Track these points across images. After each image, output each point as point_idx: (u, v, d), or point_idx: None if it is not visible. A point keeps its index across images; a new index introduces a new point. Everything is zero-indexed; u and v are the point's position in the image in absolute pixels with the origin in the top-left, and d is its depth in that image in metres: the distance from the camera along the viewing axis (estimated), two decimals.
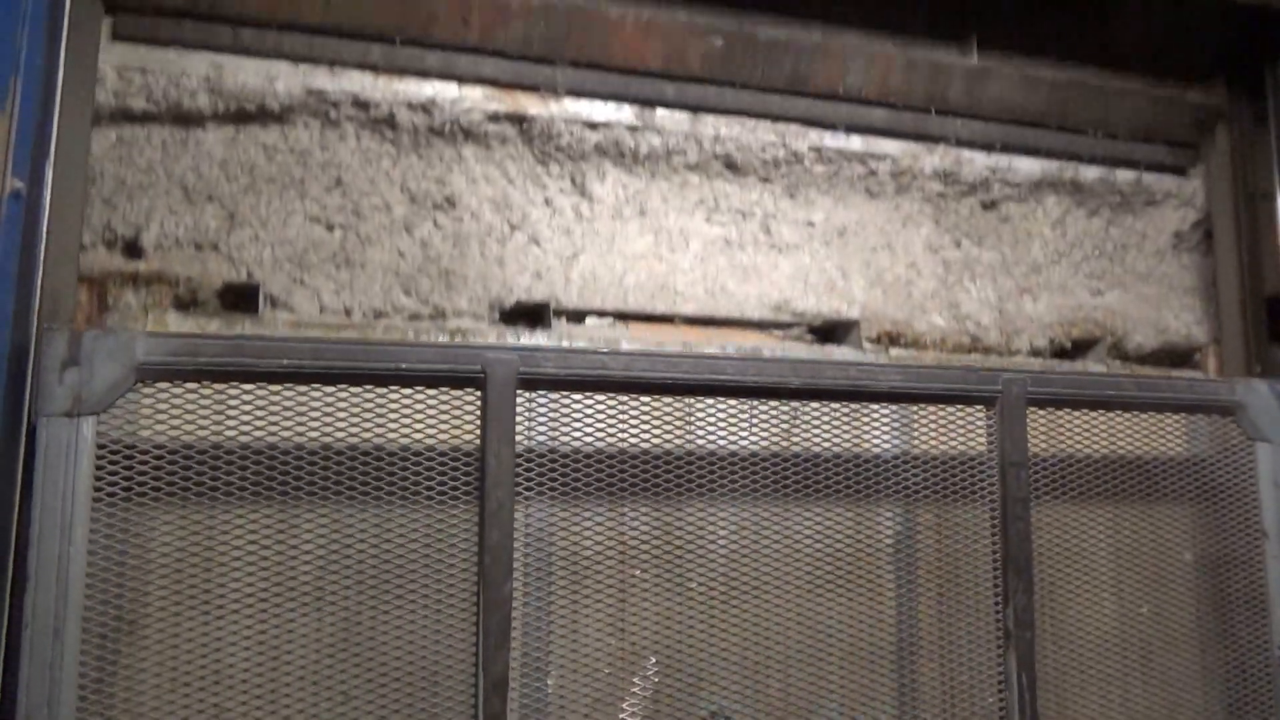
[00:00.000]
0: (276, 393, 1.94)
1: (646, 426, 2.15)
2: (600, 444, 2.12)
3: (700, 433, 2.20)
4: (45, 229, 1.83)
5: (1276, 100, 2.80)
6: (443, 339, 2.45)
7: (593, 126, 2.65)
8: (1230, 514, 2.61)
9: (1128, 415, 2.53)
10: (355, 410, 1.99)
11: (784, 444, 2.22)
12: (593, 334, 2.55)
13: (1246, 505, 2.61)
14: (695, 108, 2.77)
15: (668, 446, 2.16)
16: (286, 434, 1.94)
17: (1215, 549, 2.61)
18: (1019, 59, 3.07)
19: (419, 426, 2.01)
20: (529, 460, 2.07)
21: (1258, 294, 3.03)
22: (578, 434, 2.11)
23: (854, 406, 2.30)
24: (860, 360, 2.59)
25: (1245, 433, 2.61)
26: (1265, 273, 3.03)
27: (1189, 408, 2.59)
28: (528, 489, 2.07)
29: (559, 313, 2.56)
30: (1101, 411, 2.51)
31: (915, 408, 2.35)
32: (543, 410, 2.11)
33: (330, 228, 2.46)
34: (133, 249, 2.31)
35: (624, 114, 2.68)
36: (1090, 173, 3.15)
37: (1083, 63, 3.13)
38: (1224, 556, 2.61)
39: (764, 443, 2.21)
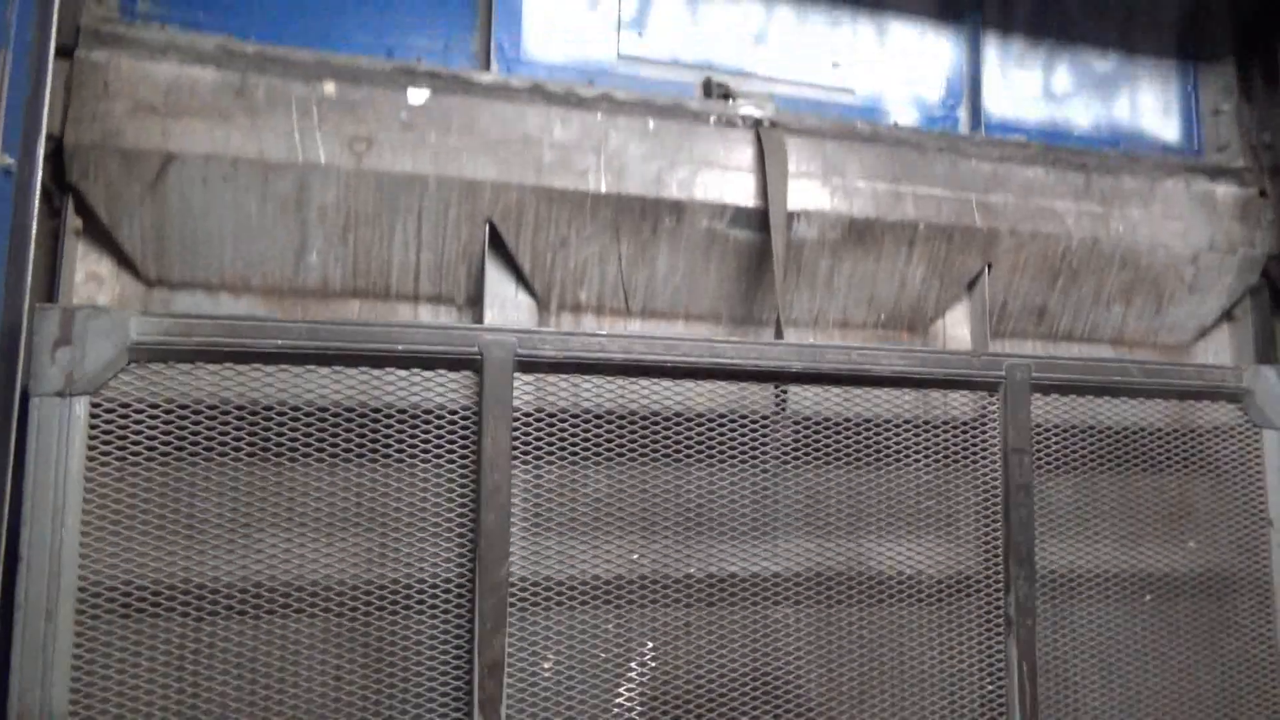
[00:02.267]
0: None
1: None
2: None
3: None
4: (36, 206, 1.81)
5: None
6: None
7: None
8: (1236, 501, 2.59)
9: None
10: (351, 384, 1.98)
11: None
12: None
13: (1252, 493, 2.59)
14: None
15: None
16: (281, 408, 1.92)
17: (1220, 537, 2.59)
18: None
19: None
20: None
21: None
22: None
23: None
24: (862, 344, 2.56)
25: (1252, 420, 2.58)
26: None
27: (1196, 394, 2.56)
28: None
29: None
30: (1107, 397, 2.49)
31: None
32: None
33: None
34: None
35: None
36: None
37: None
38: (1229, 544, 2.59)
39: None
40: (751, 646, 2.17)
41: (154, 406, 1.86)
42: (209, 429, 1.89)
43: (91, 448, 1.80)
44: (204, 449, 1.88)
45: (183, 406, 1.87)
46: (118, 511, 1.82)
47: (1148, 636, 2.47)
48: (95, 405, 1.81)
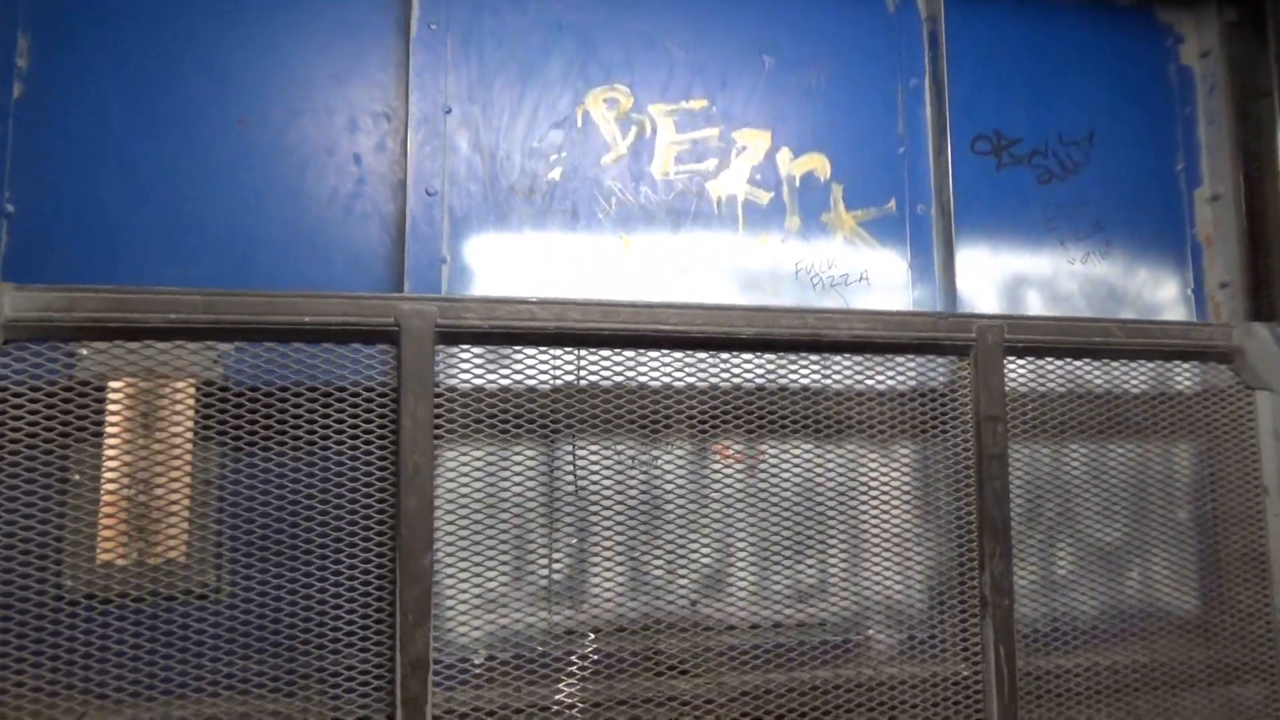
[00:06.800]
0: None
1: None
2: None
3: None
4: None
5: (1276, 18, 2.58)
6: None
7: None
8: (1229, 469, 2.42)
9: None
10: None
11: None
12: None
13: (1246, 459, 2.42)
14: None
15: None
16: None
17: (1212, 505, 2.42)
18: None
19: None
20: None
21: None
22: None
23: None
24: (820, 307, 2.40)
25: (1244, 381, 2.41)
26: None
27: (1182, 354, 2.39)
28: None
29: None
30: (1087, 360, 2.32)
31: None
32: None
33: None
34: None
35: None
36: None
37: None
38: (1221, 513, 2.42)
39: None
40: (706, 630, 2.01)
41: (35, 390, 1.70)
42: (96, 415, 1.73)
43: None
44: (94, 433, 1.73)
45: (66, 389, 1.72)
46: None
47: (1135, 615, 2.31)
48: None
